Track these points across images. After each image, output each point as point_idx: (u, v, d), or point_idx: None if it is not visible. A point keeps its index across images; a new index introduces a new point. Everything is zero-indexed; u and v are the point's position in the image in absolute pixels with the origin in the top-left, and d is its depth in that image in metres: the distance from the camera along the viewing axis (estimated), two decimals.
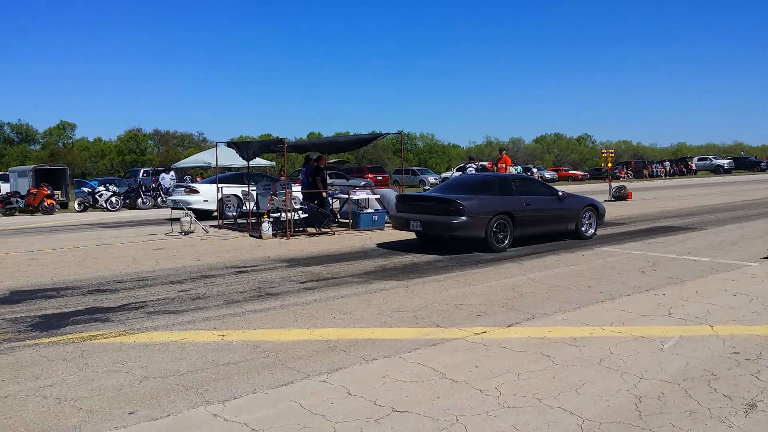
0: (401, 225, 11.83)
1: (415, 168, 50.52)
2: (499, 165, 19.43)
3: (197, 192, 19.35)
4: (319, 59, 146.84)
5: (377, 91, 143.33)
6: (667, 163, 61.82)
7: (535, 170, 52.76)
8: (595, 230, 12.86)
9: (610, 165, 27.56)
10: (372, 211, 15.29)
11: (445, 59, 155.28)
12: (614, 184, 26.04)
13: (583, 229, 12.53)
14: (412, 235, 12.38)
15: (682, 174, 59.74)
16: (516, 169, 48.90)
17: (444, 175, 46.42)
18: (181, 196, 19.57)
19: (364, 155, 61.01)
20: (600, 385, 4.37)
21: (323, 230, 14.32)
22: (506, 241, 11.12)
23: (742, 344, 5.24)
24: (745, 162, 67.10)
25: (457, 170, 45.51)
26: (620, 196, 24.04)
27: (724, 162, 64.13)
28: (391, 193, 16.46)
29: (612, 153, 26.62)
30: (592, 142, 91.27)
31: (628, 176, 54.33)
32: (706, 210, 18.66)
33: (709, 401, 4.03)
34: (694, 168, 62.36)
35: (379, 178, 38.59)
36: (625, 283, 7.97)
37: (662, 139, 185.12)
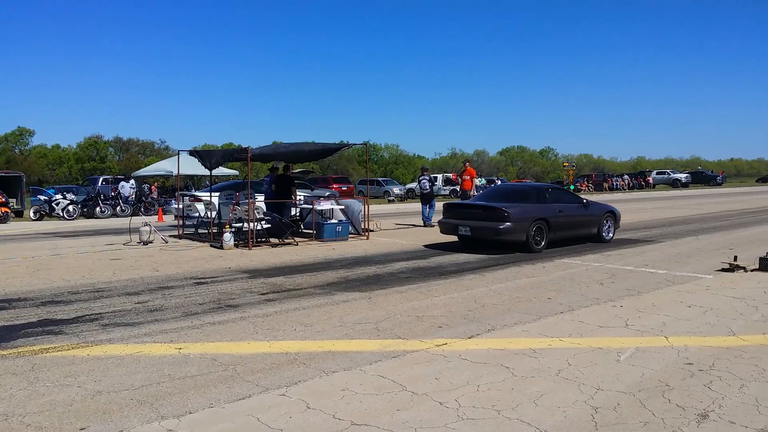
0: (450, 230, 13.18)
1: (380, 179, 50.61)
2: (463, 177, 19.58)
3: (201, 200, 18.94)
4: (284, 69, 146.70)
5: (343, 102, 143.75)
6: (627, 177, 63.16)
7: (498, 182, 53.41)
8: (614, 234, 14.24)
9: (571, 178, 28.06)
10: (336, 221, 15.24)
11: (411, 71, 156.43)
12: None
13: (604, 233, 13.93)
14: (375, 247, 12.38)
15: (641, 187, 61.15)
16: (480, 181, 49.40)
17: (409, 186, 46.58)
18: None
19: (329, 165, 60.94)
20: (558, 396, 4.41)
21: (286, 241, 14.21)
22: (543, 243, 12.49)
23: (695, 355, 5.35)
24: (701, 176, 69.12)
25: (413, 182, 45.79)
26: None
27: (682, 176, 65.89)
28: (355, 204, 16.45)
29: (574, 167, 27.08)
30: (555, 155, 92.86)
31: (589, 189, 55.30)
32: (663, 223, 19.10)
33: (663, 412, 4.10)
34: (652, 181, 63.90)
35: (344, 188, 38.54)
36: (584, 294, 8.09)
37: (622, 153, 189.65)
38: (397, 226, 19.39)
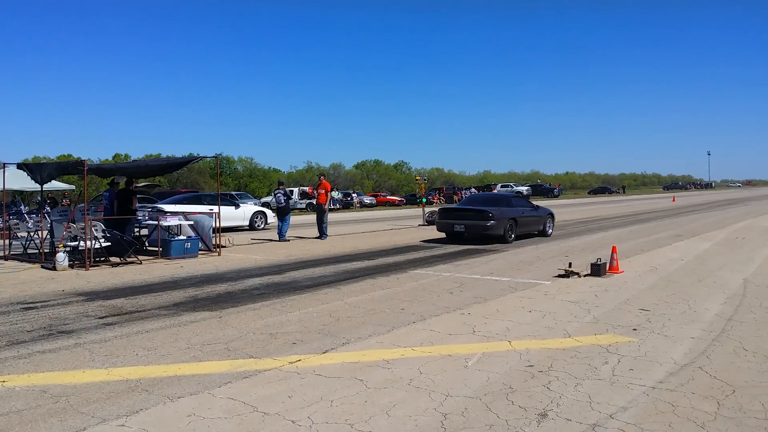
0: (446, 228, 17.25)
1: (233, 192, 49.23)
2: (319, 190, 19.57)
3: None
4: (129, 75, 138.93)
5: (195, 113, 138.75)
6: (474, 190, 66.67)
7: (354, 195, 54.11)
8: (552, 231, 18.81)
9: (423, 191, 29.12)
10: (185, 238, 14.54)
11: (266, 83, 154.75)
12: (427, 209, 27.42)
13: (547, 229, 18.60)
14: (227, 264, 11.96)
15: None
16: (336, 194, 49.54)
17: (264, 200, 45.72)
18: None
19: (178, 179, 58.19)
20: (409, 405, 4.45)
21: (129, 260, 13.32)
22: (512, 236, 16.74)
23: (536, 357, 5.66)
24: (541, 189, 74.91)
25: (268, 195, 45.10)
26: (433, 220, 25.32)
27: (523, 189, 70.74)
28: (206, 219, 15.81)
29: (426, 180, 28.08)
30: (408, 169, 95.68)
31: (440, 201, 57.65)
32: None
33: (506, 413, 4.27)
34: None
35: None
36: (435, 303, 8.33)
37: (470, 167, 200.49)
38: (252, 241, 18.93)
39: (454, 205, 20.57)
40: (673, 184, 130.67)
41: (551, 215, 18.98)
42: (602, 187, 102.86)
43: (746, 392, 4.65)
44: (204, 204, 20.63)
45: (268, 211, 24.44)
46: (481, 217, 16.34)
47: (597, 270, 10.43)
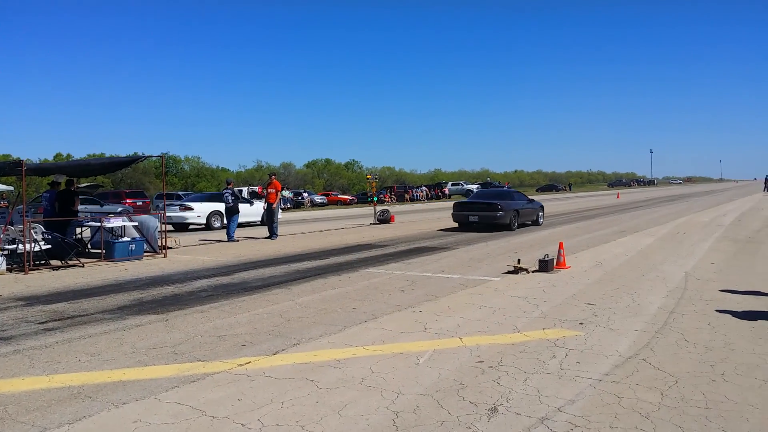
0: (462, 218, 20.18)
1: (180, 192, 48.20)
2: (269, 190, 19.34)
3: (192, 209, 22.99)
4: (71, 72, 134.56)
5: (140, 111, 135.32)
6: (425, 188, 67.14)
7: (305, 194, 53.72)
8: (543, 221, 22.21)
9: (374, 190, 29.15)
10: (129, 239, 14.15)
11: (214, 81, 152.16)
12: (378, 208, 27.47)
13: (538, 219, 21.86)
14: (173, 265, 11.69)
15: (438, 198, 65.33)
16: (288, 193, 49.08)
17: None
18: (176, 213, 22.76)
19: (122, 179, 56.66)
20: (361, 404, 4.43)
21: (70, 263, 12.87)
22: (515, 225, 19.90)
23: (486, 353, 5.72)
24: (490, 187, 75.76)
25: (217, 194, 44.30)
26: (384, 219, 25.42)
27: (473, 187, 71.58)
28: (151, 220, 15.42)
29: (377, 179, 28.12)
30: (360, 168, 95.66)
31: (392, 200, 57.82)
32: (457, 231, 20.47)
33: (458, 409, 4.29)
34: (448, 192, 68.64)
35: (139, 203, 36.11)
36: (386, 302, 8.32)
37: (421, 166, 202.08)
38: (201, 241, 18.57)
39: (467, 200, 23.15)
40: (617, 182, 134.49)
41: (542, 207, 22.39)
42: (550, 184, 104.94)
43: (688, 382, 4.80)
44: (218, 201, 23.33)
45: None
46: (491, 209, 19.38)
47: (545, 266, 10.62)
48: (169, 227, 22.66)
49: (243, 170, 75.92)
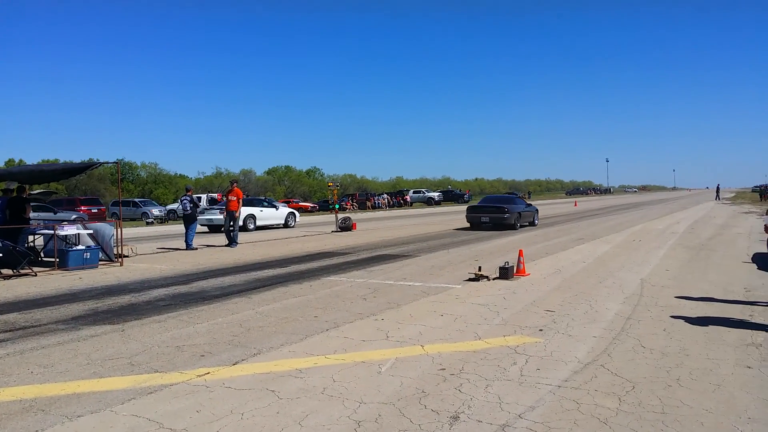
0: (475, 220, 23.74)
1: (137, 199, 47.23)
2: (230, 197, 19.10)
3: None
4: (25, 76, 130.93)
5: (95, 117, 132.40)
6: (386, 196, 67.26)
7: (265, 203, 53.15)
8: (538, 222, 26.37)
9: (336, 198, 29.09)
10: (83, 247, 13.79)
11: (171, 86, 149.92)
12: (340, 216, 27.39)
13: (534, 221, 25.79)
14: (130, 274, 11.41)
15: (400, 205, 65.53)
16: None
17: (170, 207, 44.14)
18: (215, 216, 25.46)
19: (76, 186, 55.25)
20: (322, 414, 4.39)
21: (22, 272, 12.47)
22: (518, 225, 23.71)
23: (448, 360, 5.74)
24: (451, 195, 76.62)
25: (174, 202, 43.72)
26: (346, 227, 25.36)
27: (435, 195, 72.10)
28: (106, 228, 15.06)
29: (338, 186, 28.11)
30: (321, 175, 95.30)
31: (354, 208, 57.74)
32: (419, 238, 20.57)
33: (419, 418, 4.29)
34: (409, 200, 68.93)
35: (94, 210, 35.32)
36: (348, 310, 8.29)
37: (383, 173, 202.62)
38: (158, 250, 18.22)
39: (478, 204, 25.81)
40: (575, 190, 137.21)
41: (537, 211, 26.68)
42: (510, 192, 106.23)
43: (645, 387, 4.90)
44: (265, 206, 28.37)
45: (296, 212, 30.66)
46: (500, 212, 23.15)
47: (505, 273, 10.73)
48: (204, 228, 26.17)
49: (202, 177, 74.88)
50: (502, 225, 23.00)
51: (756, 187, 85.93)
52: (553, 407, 4.47)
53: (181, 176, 73.28)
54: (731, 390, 4.81)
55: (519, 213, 23.70)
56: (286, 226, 28.61)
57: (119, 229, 14.88)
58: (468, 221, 24.14)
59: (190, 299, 9.43)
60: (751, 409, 4.40)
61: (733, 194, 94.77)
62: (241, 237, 20.42)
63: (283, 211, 29.15)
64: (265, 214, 27.62)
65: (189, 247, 17.97)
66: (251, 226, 26.05)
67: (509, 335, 6.72)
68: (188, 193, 18.99)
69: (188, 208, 18.49)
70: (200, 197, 43.53)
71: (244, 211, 24.67)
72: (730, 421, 4.18)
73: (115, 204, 41.63)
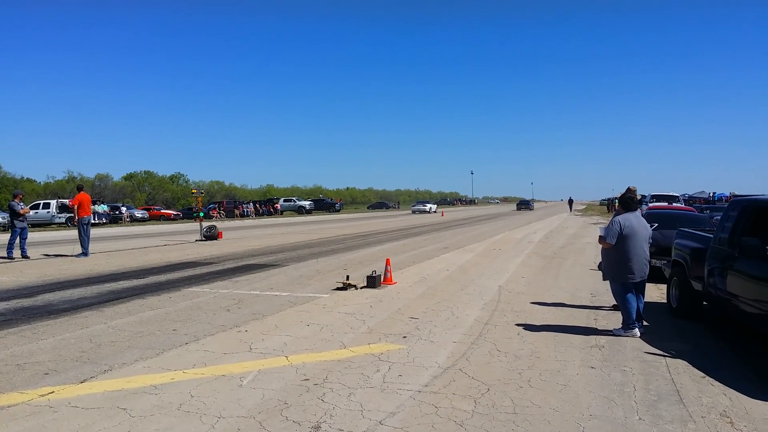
0: None
1: None
2: (76, 203, 17.81)
3: None
4: None
5: None
6: (255, 204, 66.03)
7: (124, 209, 50.24)
8: None
9: (200, 205, 28.06)
10: None
11: (19, 81, 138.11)
12: (205, 224, 26.47)
13: None
14: None
15: (270, 214, 64.55)
16: (102, 208, 45.66)
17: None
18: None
19: None
20: (178, 431, 4.18)
21: None
22: None
23: (312, 371, 5.69)
24: (323, 203, 76.72)
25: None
26: (211, 235, 24.52)
27: (306, 203, 71.84)
28: None
29: (203, 193, 27.16)
30: (186, 182, 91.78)
31: (221, 216, 56.09)
32: (289, 248, 20.34)
33: (280, 430, 4.21)
34: (280, 208, 68.13)
35: None
36: (210, 322, 7.99)
37: (253, 181, 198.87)
38: None
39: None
40: (442, 200, 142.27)
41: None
42: (380, 202, 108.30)
43: (498, 389, 5.14)
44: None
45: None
46: None
47: (372, 282, 10.87)
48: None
49: (52, 181, 69.47)
50: None
51: (604, 200, 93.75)
52: (412, 412, 4.57)
53: (29, 180, 67.65)
54: (576, 389, 5.17)
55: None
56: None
57: None
58: None
59: (33, 313, 8.67)
60: (593, 406, 4.75)
61: (584, 206, 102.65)
62: (96, 246, 19.12)
63: None
64: None
65: (9, 255, 16.56)
66: None
67: (374, 343, 6.80)
68: (16, 200, 17.23)
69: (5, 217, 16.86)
70: (49, 203, 40.43)
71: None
72: (574, 418, 4.48)
73: None
